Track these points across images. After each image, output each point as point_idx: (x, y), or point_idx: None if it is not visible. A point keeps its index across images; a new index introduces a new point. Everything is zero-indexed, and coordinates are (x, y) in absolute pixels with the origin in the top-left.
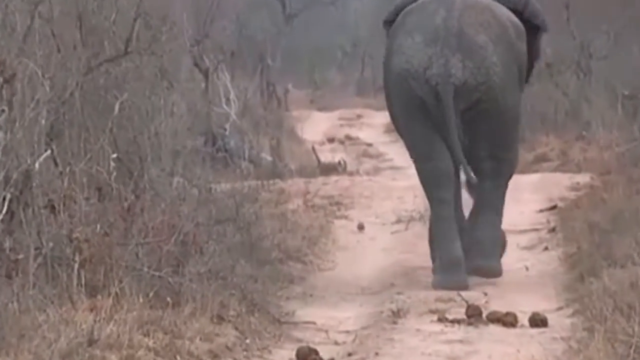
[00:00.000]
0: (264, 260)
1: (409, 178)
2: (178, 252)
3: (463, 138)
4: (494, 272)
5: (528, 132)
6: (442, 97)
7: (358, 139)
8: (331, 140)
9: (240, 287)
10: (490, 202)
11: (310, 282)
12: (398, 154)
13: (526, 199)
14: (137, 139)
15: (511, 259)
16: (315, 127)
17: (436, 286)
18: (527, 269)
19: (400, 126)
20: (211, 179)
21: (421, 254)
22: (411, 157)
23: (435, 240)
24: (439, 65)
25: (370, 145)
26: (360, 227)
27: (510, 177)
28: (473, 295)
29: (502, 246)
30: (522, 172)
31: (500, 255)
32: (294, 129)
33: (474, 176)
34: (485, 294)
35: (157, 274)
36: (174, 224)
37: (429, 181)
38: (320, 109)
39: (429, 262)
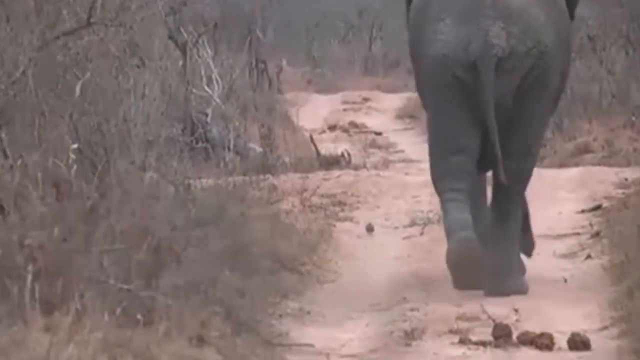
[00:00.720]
0: (253, 271)
1: (425, 173)
2: (151, 261)
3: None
4: (515, 292)
5: (567, 118)
6: (481, 74)
7: (365, 127)
8: (333, 127)
9: (225, 302)
10: (510, 209)
11: (307, 296)
12: (412, 144)
13: (565, 198)
14: (101, 127)
15: (547, 269)
16: (313, 112)
17: (450, 246)
18: (565, 280)
19: (432, 117)
20: (190, 173)
21: (439, 263)
22: (433, 149)
23: (446, 230)
24: (479, 38)
25: (379, 134)
26: (370, 229)
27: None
28: (501, 312)
29: (527, 250)
30: (561, 165)
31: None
32: (288, 114)
33: (504, 176)
34: (516, 311)
35: (125, 287)
36: (145, 228)
37: (448, 174)
38: (319, 91)
39: (447, 270)
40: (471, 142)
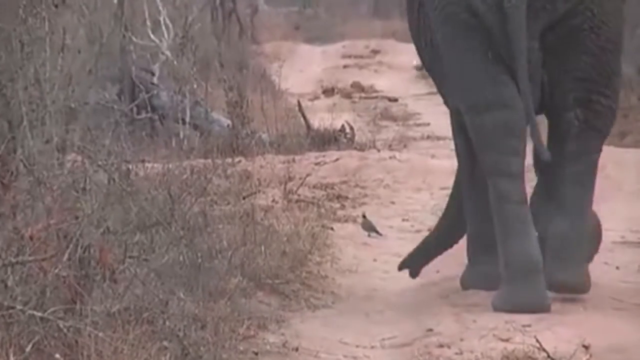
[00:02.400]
0: (217, 292)
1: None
2: (74, 279)
3: (541, 77)
4: (577, 287)
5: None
6: (509, 14)
7: (374, 90)
8: (329, 92)
9: (178, 335)
10: (576, 179)
11: (293, 327)
12: (438, 114)
13: None
14: (4, 90)
15: (629, 289)
16: (302, 70)
17: (500, 306)
18: None
19: (448, 64)
20: (130, 156)
21: None
22: (462, 109)
23: (499, 236)
24: None
25: (394, 100)
26: (368, 227)
27: (606, 136)
28: (565, 350)
29: (593, 245)
30: None
31: (590, 259)
32: (266, 73)
33: (544, 147)
34: (586, 348)
35: (38, 314)
36: (66, 232)
37: (489, 141)
38: (310, 40)
39: (490, 293)
40: (508, 92)
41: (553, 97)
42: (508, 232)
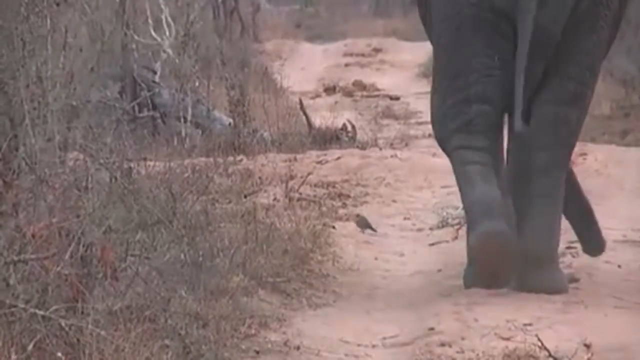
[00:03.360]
0: (219, 291)
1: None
2: (76, 277)
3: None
4: (554, 288)
5: None
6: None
7: (376, 89)
8: (331, 90)
9: (180, 334)
10: (552, 176)
11: (295, 326)
12: None
13: None
14: (6, 88)
15: (631, 289)
16: (304, 68)
17: (473, 241)
18: None
19: (444, 54)
20: (131, 154)
21: None
22: (440, 90)
23: (461, 193)
24: None
25: (395, 98)
26: (362, 225)
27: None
28: (567, 348)
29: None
30: None
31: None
32: (268, 71)
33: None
34: (587, 347)
35: (40, 312)
36: (68, 230)
37: (464, 128)
38: (312, 39)
39: (492, 292)
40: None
41: (552, 86)
42: (468, 183)
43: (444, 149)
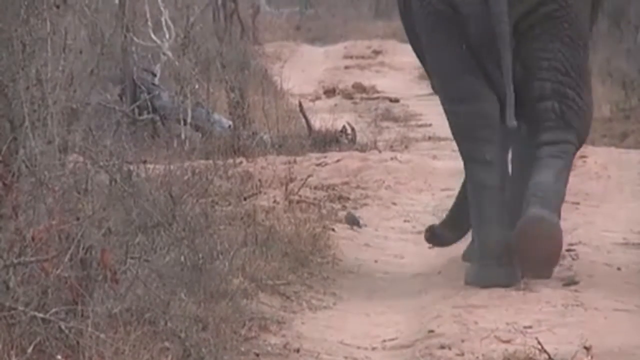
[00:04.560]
0: (219, 293)
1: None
2: (76, 280)
3: (513, 66)
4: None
5: None
6: (491, 3)
7: (376, 91)
8: (331, 92)
9: (179, 336)
10: (549, 166)
11: (295, 328)
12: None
13: None
14: (6, 91)
15: (632, 293)
16: (304, 70)
17: (470, 281)
18: None
19: (428, 55)
20: (131, 156)
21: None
22: (440, 99)
23: (474, 220)
24: None
25: (395, 100)
26: (352, 221)
27: (581, 137)
28: (566, 351)
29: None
30: None
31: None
32: (268, 74)
33: (512, 115)
34: (587, 349)
35: (40, 315)
36: (68, 232)
37: (465, 132)
38: (312, 41)
39: (493, 292)
40: (481, 85)
41: (528, 85)
42: (482, 217)
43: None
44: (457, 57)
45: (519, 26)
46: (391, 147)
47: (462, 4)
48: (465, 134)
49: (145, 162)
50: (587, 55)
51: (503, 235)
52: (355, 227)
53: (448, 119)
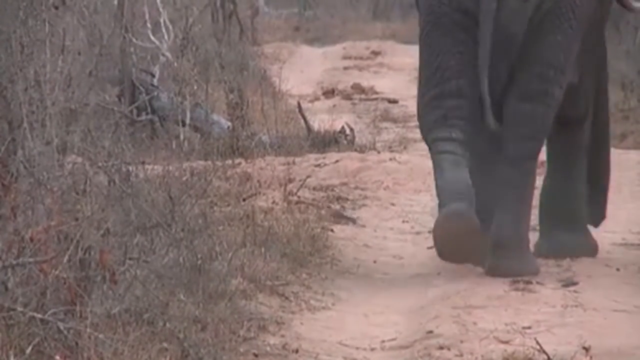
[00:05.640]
0: (217, 294)
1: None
2: (74, 280)
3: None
4: (523, 271)
5: None
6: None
7: (374, 92)
8: (330, 93)
9: (178, 337)
10: (519, 162)
11: (294, 329)
12: None
13: None
14: (5, 92)
15: (630, 293)
16: (303, 71)
17: (437, 220)
18: None
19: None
20: (130, 157)
21: (480, 283)
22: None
23: (434, 178)
24: None
25: (394, 101)
26: (338, 216)
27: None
28: (565, 351)
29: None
30: None
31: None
32: (267, 75)
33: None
34: (586, 350)
35: (39, 316)
36: (67, 233)
37: (439, 122)
38: (311, 42)
39: (492, 292)
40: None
41: (519, 79)
42: (439, 169)
43: (425, 141)
44: (459, 62)
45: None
46: (390, 147)
47: (476, 10)
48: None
49: (144, 163)
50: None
51: (460, 178)
52: (343, 222)
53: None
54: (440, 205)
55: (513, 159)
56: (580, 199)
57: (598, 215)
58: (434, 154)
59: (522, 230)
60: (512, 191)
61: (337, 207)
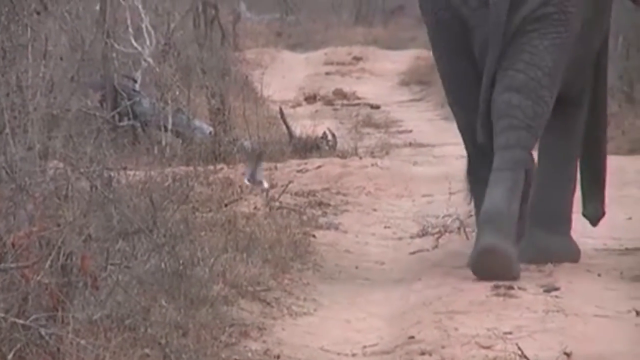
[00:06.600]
0: (199, 299)
1: (441, 162)
2: (56, 286)
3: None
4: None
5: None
6: (493, 10)
7: (356, 97)
8: (311, 99)
9: (160, 342)
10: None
11: (275, 334)
12: (422, 121)
13: (636, 198)
14: None
15: (611, 297)
16: (284, 76)
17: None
18: (637, 313)
19: (440, 66)
20: (112, 163)
21: (461, 288)
22: (449, 103)
23: (474, 208)
24: None
25: (376, 107)
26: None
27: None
28: (547, 357)
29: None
30: (632, 151)
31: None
32: (248, 80)
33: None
34: (567, 355)
35: (20, 321)
36: (48, 239)
37: (470, 137)
38: (293, 47)
39: (474, 298)
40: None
41: (501, 75)
42: (480, 195)
43: None
44: (461, 66)
45: (519, 27)
46: (372, 153)
47: (469, 15)
48: (468, 135)
49: (125, 168)
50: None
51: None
52: (257, 186)
53: (455, 118)
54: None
55: (506, 146)
56: (566, 203)
57: (597, 213)
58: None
59: (512, 209)
60: (504, 174)
61: (319, 212)
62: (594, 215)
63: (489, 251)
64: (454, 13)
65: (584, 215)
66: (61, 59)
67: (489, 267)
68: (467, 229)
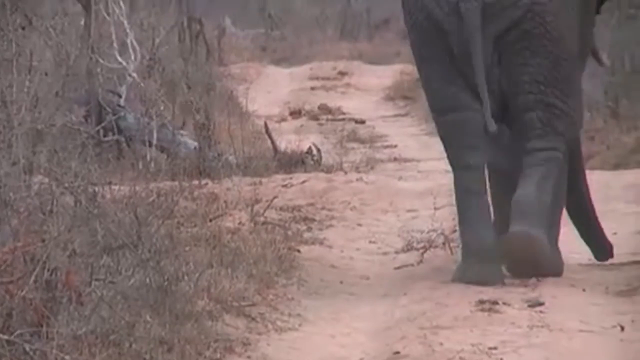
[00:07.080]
0: (184, 315)
1: (425, 177)
2: (40, 301)
3: (498, 78)
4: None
5: (625, 99)
6: (465, 18)
7: (341, 112)
8: (296, 113)
9: (145, 358)
10: (537, 176)
11: (260, 349)
12: (406, 136)
13: (622, 213)
14: None
15: (596, 312)
16: (269, 91)
17: (457, 279)
18: (622, 329)
19: (419, 73)
20: (96, 178)
21: (446, 303)
22: (430, 109)
23: (459, 222)
24: None
25: (361, 122)
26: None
27: (573, 135)
28: None
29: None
30: (617, 166)
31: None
32: (233, 95)
33: (492, 121)
34: None
35: (5, 337)
36: (33, 254)
37: (451, 139)
38: (278, 62)
39: (458, 313)
40: (465, 95)
41: (513, 98)
42: (465, 219)
43: None
44: (441, 70)
45: (500, 42)
46: (357, 168)
47: (444, 20)
48: (451, 142)
49: (110, 183)
50: (573, 66)
51: (484, 236)
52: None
53: (437, 128)
54: (465, 255)
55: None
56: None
57: (604, 251)
58: (458, 188)
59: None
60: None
61: (304, 227)
62: (604, 255)
63: (520, 238)
64: (428, 15)
65: (597, 259)
66: (46, 74)
67: (519, 253)
68: (452, 244)
